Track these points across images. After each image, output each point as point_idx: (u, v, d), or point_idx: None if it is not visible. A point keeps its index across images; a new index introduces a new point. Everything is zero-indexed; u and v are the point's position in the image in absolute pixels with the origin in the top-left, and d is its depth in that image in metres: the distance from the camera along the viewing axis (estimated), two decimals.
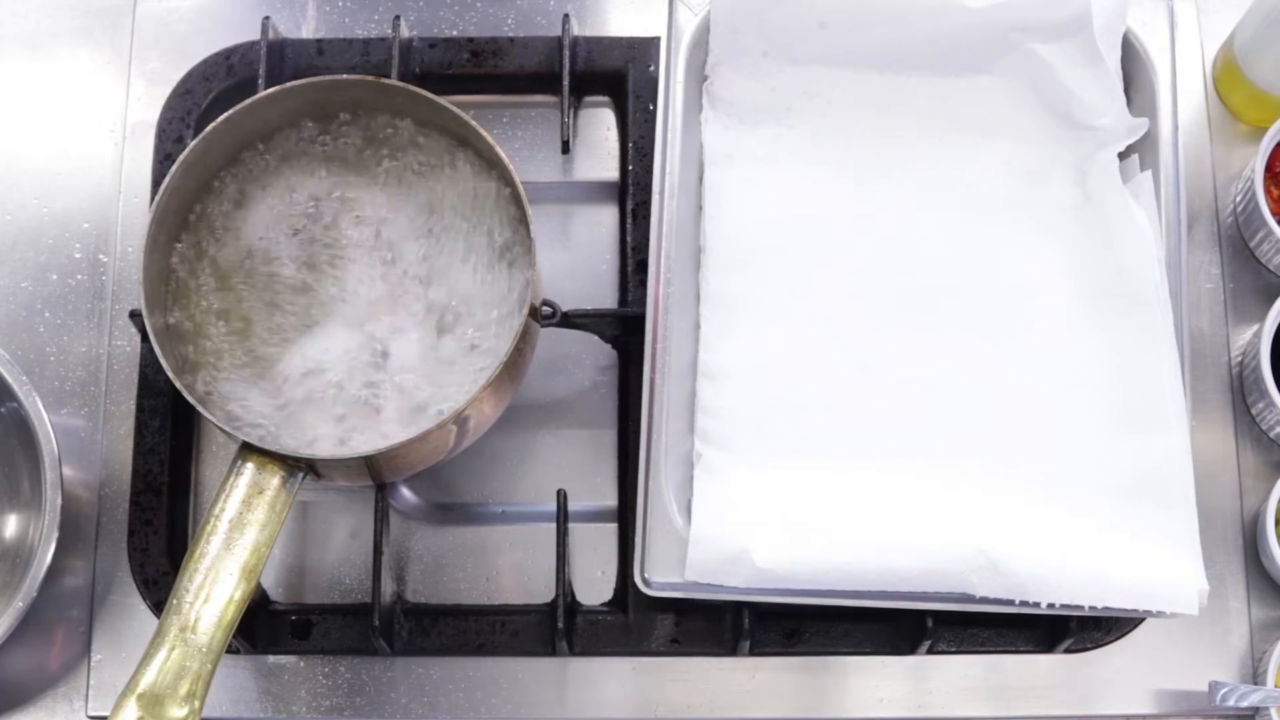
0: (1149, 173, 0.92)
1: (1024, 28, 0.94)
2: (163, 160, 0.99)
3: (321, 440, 0.86)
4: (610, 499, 0.94)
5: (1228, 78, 1.01)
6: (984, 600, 0.83)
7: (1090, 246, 0.92)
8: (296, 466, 0.82)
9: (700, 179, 0.95)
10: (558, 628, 0.89)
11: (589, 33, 1.03)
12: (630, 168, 0.99)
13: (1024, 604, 0.82)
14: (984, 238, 0.93)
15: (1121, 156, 0.94)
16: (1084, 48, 0.93)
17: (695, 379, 0.90)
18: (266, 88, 0.94)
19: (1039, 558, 0.82)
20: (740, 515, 0.84)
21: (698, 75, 0.96)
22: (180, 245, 0.90)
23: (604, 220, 1.01)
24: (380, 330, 0.88)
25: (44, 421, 0.88)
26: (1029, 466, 0.87)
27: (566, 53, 0.99)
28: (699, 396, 0.89)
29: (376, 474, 0.87)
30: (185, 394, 0.82)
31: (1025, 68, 0.95)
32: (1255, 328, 0.96)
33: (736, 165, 0.95)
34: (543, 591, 0.92)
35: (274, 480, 0.81)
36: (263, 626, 0.91)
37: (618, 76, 1.01)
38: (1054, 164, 0.95)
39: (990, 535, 0.83)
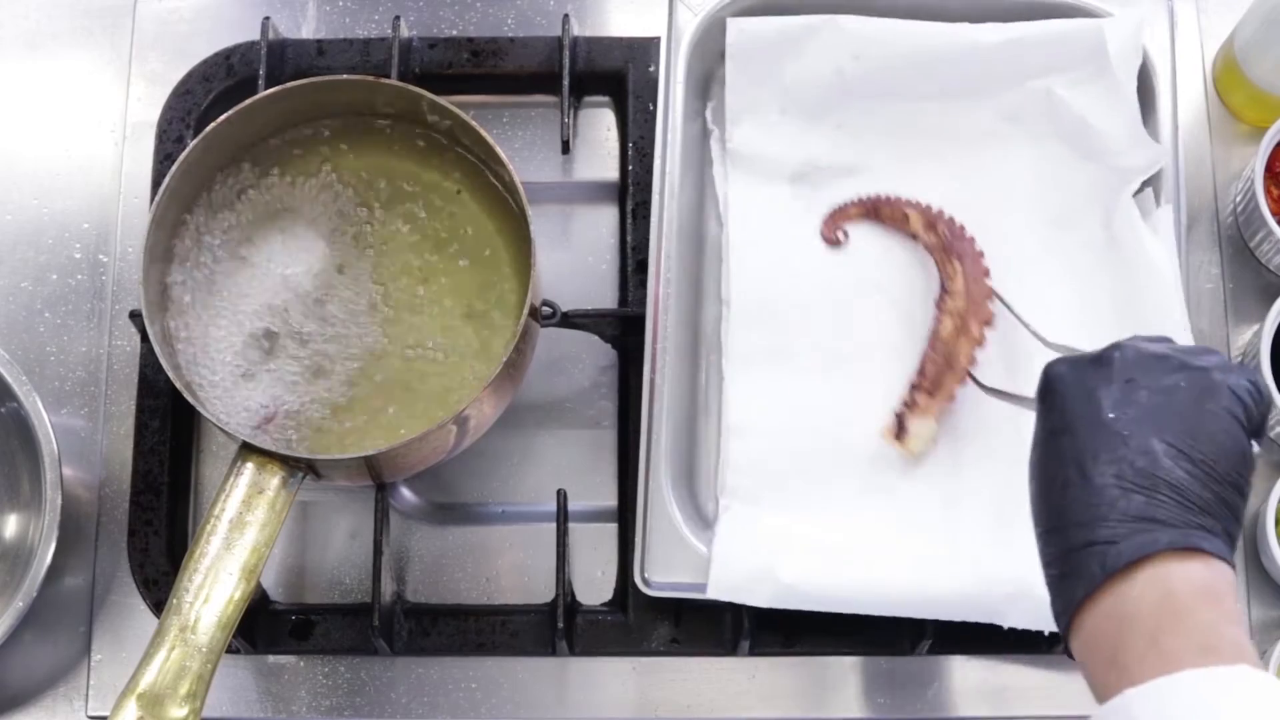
0: (1168, 207, 0.91)
1: (1043, 69, 0.94)
2: (163, 160, 0.99)
3: (317, 440, 0.86)
4: (610, 499, 0.94)
5: (1228, 78, 1.01)
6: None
7: (1116, 286, 0.92)
8: (296, 466, 0.82)
9: (701, 179, 0.95)
10: (558, 628, 0.88)
11: (589, 33, 1.03)
12: (630, 168, 0.99)
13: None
14: (1010, 286, 0.92)
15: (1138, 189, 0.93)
16: (1102, 81, 0.93)
17: (721, 436, 0.90)
18: (266, 88, 0.94)
19: None
20: (765, 538, 0.85)
21: (698, 75, 0.96)
22: (179, 243, 0.90)
23: (604, 220, 1.01)
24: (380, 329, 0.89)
25: (44, 421, 0.88)
26: None
27: (566, 53, 0.99)
28: (726, 453, 0.89)
29: (376, 474, 0.87)
30: (185, 394, 0.82)
31: (1046, 109, 0.94)
32: (1255, 328, 0.95)
33: (758, 219, 0.94)
34: (542, 591, 0.92)
35: (274, 480, 0.81)
36: (263, 626, 0.91)
37: (618, 76, 1.01)
38: (1079, 206, 0.94)
39: (1022, 566, 0.82)
